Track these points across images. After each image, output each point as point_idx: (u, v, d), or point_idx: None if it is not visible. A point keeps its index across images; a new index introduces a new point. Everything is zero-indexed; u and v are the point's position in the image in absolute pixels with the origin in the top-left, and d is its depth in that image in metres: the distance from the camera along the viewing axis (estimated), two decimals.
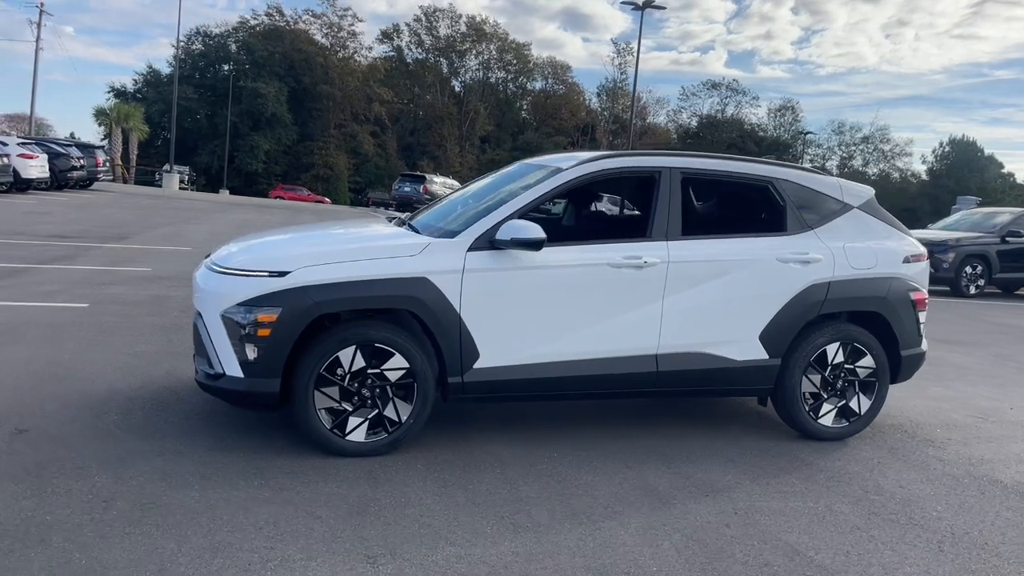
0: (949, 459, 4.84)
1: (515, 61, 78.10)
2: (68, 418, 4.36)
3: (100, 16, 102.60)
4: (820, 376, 4.89)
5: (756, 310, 4.76)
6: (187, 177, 51.21)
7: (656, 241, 4.63)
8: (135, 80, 66.03)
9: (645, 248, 4.58)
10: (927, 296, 5.21)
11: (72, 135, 54.82)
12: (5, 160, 21.61)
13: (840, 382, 4.94)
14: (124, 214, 19.59)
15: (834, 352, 4.89)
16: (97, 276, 9.37)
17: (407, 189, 33.97)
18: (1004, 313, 12.97)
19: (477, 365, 4.28)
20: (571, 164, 4.70)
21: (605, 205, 7.73)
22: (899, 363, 5.06)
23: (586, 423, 5.04)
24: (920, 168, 74.09)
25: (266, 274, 4.02)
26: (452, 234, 4.37)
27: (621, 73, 75.88)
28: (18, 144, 23.71)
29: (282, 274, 4.01)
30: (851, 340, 4.91)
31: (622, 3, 37.39)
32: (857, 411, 4.97)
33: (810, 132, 76.53)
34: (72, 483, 3.52)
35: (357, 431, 4.10)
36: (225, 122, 58.73)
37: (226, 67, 65.33)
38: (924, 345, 5.25)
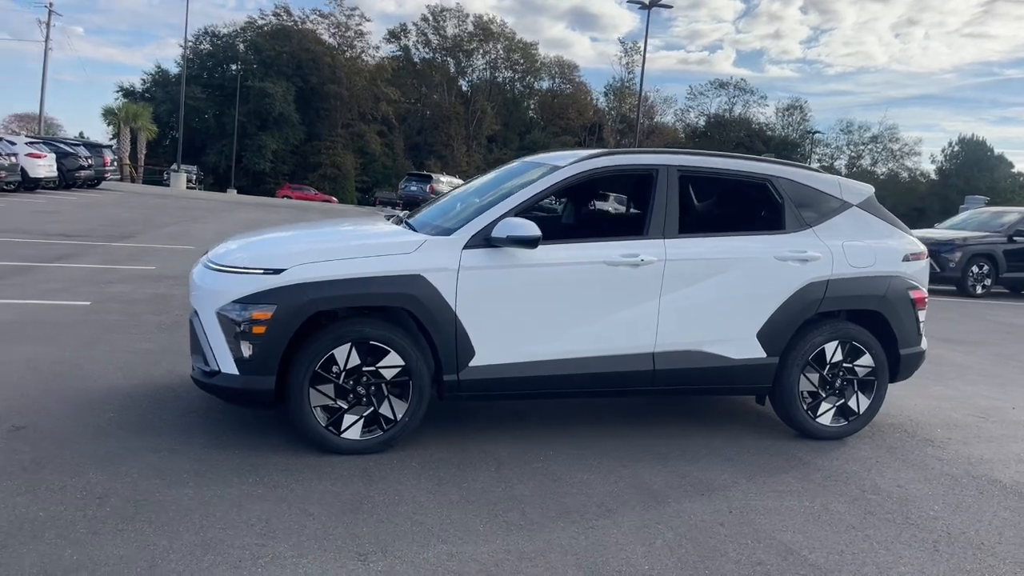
0: (948, 458, 4.82)
1: (522, 60, 78.12)
2: (66, 415, 4.38)
3: (109, 16, 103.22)
4: (819, 375, 4.87)
5: (754, 308, 4.74)
6: (195, 176, 51.37)
7: (653, 239, 4.61)
8: (144, 80, 66.43)
9: (642, 246, 4.57)
10: (927, 295, 5.18)
11: (81, 134, 55.14)
12: (13, 159, 21.74)
13: (839, 381, 4.92)
14: (131, 213, 19.67)
15: (833, 351, 4.86)
16: (101, 274, 9.41)
17: (413, 188, 34.00)
18: (1009, 313, 12.89)
19: (473, 363, 4.28)
20: (568, 162, 4.70)
21: (602, 203, 7.72)
22: (898, 362, 5.04)
23: (583, 422, 5.04)
24: (929, 168, 73.82)
25: (261, 271, 4.03)
26: (448, 232, 4.37)
27: (628, 72, 75.89)
28: (26, 143, 23.84)
29: (277, 271, 4.01)
30: (850, 339, 4.88)
31: (629, 2, 37.34)
32: (856, 410, 4.95)
33: (818, 132, 76.27)
34: (67, 480, 3.53)
35: (352, 429, 4.11)
36: (233, 122, 58.93)
37: (234, 67, 65.50)
38: (924, 344, 5.22)
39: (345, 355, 4.05)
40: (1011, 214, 16.07)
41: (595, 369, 4.49)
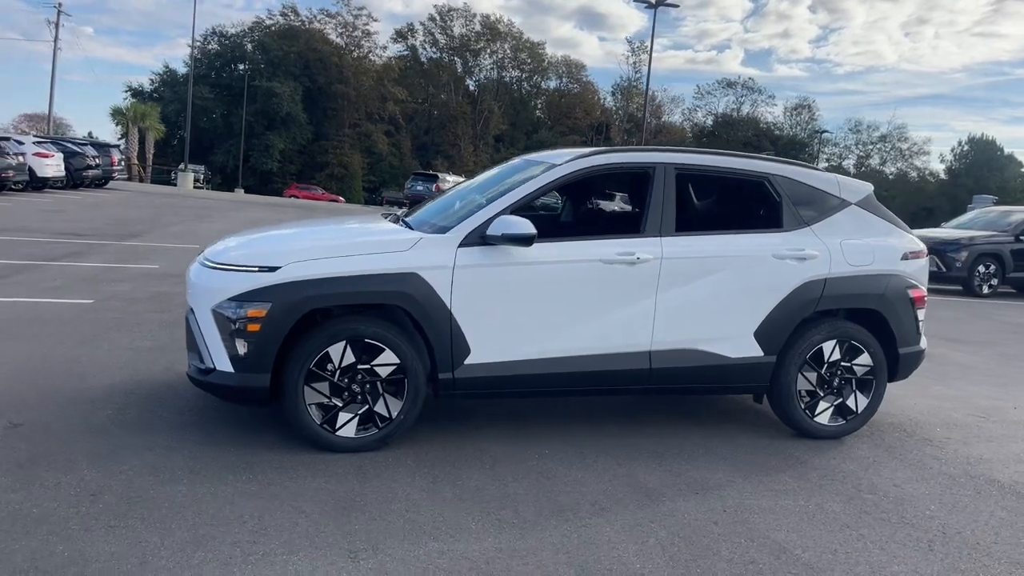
0: (947, 458, 4.79)
1: (529, 60, 78.01)
2: (64, 413, 4.40)
3: (118, 16, 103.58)
4: (816, 374, 4.85)
5: (751, 307, 4.72)
6: (202, 176, 51.51)
7: (650, 237, 4.60)
8: (152, 80, 66.67)
9: (638, 244, 4.56)
10: (926, 293, 5.15)
11: (90, 134, 55.41)
12: (21, 159, 21.86)
13: (837, 380, 4.89)
14: (137, 212, 19.75)
15: (831, 349, 4.84)
16: (105, 273, 9.45)
17: (419, 188, 34.06)
18: (1015, 312, 12.82)
19: (468, 361, 4.28)
20: (564, 160, 4.69)
21: (600, 201, 7.69)
22: (897, 361, 5.01)
23: (578, 420, 5.03)
24: (939, 167, 73.28)
25: (256, 269, 4.04)
26: (444, 230, 4.37)
27: (636, 72, 75.71)
28: (34, 143, 23.97)
29: (272, 269, 4.02)
30: (848, 337, 4.86)
31: (636, 1, 37.26)
32: (854, 409, 4.93)
33: (827, 131, 75.96)
34: (61, 476, 3.55)
35: (347, 427, 4.11)
36: (240, 121, 59.09)
37: (241, 67, 65.68)
38: (923, 343, 5.19)
39: (340, 353, 4.06)
40: (1018, 213, 15.98)
41: (591, 367, 4.48)
